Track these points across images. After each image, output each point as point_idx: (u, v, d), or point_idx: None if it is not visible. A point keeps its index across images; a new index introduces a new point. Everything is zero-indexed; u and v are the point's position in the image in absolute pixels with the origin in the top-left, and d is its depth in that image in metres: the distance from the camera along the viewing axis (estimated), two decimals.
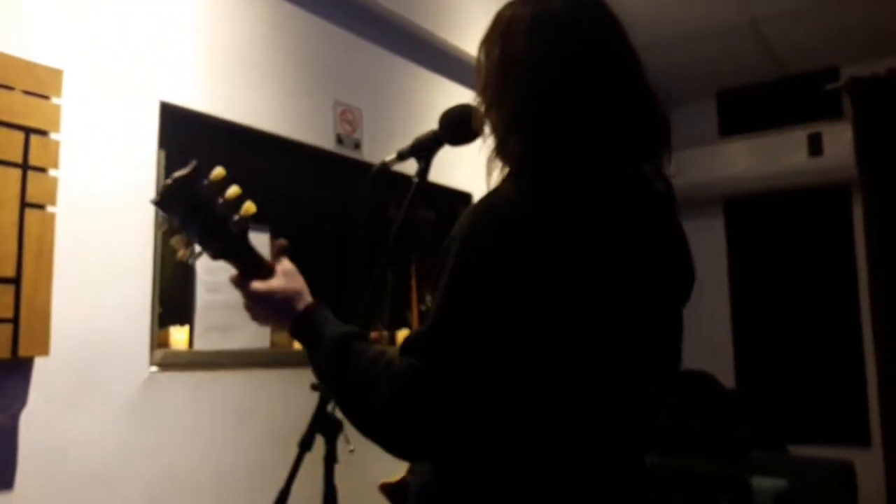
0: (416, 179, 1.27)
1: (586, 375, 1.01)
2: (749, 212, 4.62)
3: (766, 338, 4.45)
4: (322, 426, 1.32)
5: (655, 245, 1.12)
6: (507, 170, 1.13)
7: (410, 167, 1.27)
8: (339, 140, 2.86)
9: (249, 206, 1.18)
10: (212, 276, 2.26)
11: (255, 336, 2.36)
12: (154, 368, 2.12)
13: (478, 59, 1.22)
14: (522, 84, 1.10)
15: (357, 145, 2.93)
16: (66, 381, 1.93)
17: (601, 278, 1.02)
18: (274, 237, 2.40)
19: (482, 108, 1.20)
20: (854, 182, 4.12)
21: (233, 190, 1.17)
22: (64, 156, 1.94)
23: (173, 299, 2.23)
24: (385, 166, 1.33)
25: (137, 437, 2.07)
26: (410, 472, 1.29)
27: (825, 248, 4.34)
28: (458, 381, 0.97)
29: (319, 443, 1.38)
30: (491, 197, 1.04)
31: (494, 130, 1.16)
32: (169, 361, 2.15)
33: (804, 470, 3.46)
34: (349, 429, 1.42)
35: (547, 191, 1.03)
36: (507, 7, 1.19)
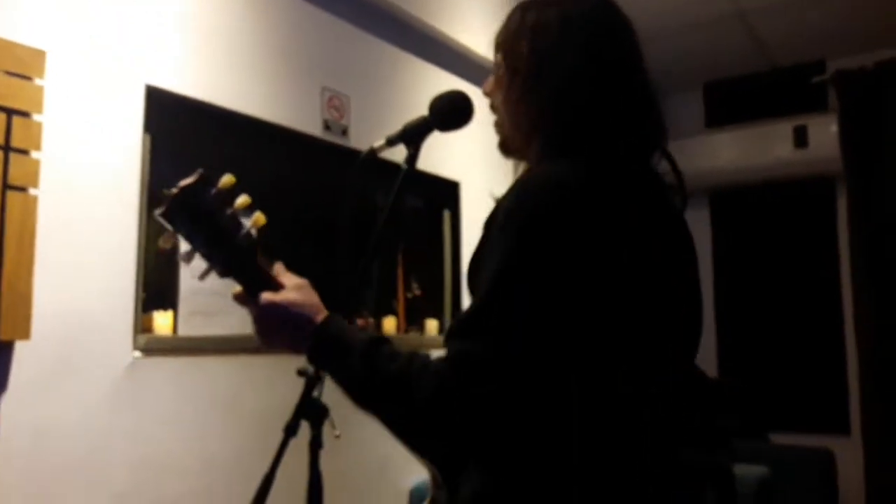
0: (405, 166, 1.27)
1: (620, 365, 1.01)
2: (734, 203, 4.65)
3: (748, 328, 4.48)
4: (308, 412, 1.32)
5: (675, 238, 1.14)
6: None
7: (399, 154, 1.26)
8: (327, 126, 2.84)
9: (259, 218, 1.14)
10: (196, 261, 2.23)
11: (240, 322, 2.35)
12: (137, 353, 2.11)
13: (497, 58, 1.23)
14: (556, 77, 1.11)
15: (344, 132, 2.92)
16: (48, 365, 1.91)
17: (635, 268, 1.03)
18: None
19: (503, 104, 1.21)
20: (838, 174, 4.14)
21: (242, 200, 1.13)
22: (47, 138, 1.91)
23: (157, 284, 2.21)
24: (374, 152, 1.32)
25: (121, 422, 2.06)
26: (436, 485, 1.25)
27: (809, 240, 4.37)
28: (511, 363, 0.95)
29: (305, 429, 1.38)
30: (534, 178, 1.05)
31: (519, 124, 1.18)
32: (153, 347, 2.14)
33: (785, 458, 3.50)
34: (335, 414, 1.42)
35: (585, 178, 1.03)
36: (526, 8, 1.20)
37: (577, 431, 0.99)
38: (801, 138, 4.28)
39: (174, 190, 1.10)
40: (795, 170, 4.28)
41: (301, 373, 1.34)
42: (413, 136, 1.28)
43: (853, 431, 3.84)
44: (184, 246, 1.17)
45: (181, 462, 2.19)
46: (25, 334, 1.82)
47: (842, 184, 4.15)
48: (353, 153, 2.91)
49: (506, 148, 1.26)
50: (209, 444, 2.28)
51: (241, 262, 1.14)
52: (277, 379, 2.42)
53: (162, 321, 2.17)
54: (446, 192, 3.51)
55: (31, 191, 1.85)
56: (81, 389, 1.98)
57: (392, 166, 1.28)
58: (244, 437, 2.35)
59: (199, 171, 1.12)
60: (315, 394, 1.34)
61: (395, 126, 1.28)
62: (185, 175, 1.15)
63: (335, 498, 1.39)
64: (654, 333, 1.05)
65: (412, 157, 1.28)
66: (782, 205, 4.49)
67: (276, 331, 1.14)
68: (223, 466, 2.29)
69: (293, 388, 1.41)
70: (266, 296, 1.12)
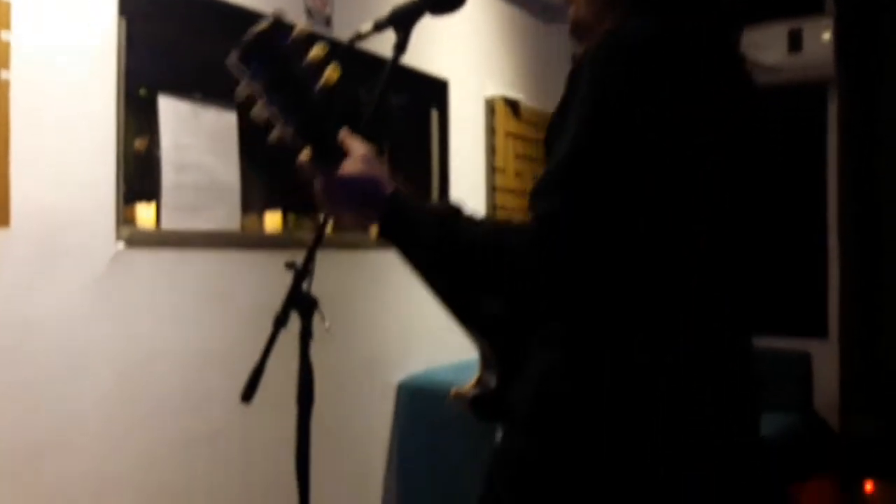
0: (393, 53, 1.21)
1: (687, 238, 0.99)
2: None
3: None
4: (297, 303, 1.30)
5: (754, 121, 1.13)
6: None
7: (384, 46, 1.20)
8: (309, 14, 2.73)
9: (332, 74, 1.05)
10: (178, 154, 2.17)
11: (225, 217, 2.30)
12: (121, 246, 2.07)
13: None
14: None
15: (328, 21, 2.80)
16: (29, 255, 1.87)
17: (715, 142, 1.01)
18: (241, 117, 2.31)
19: None
20: (831, 80, 4.09)
21: (316, 51, 1.04)
22: (16, 19, 1.81)
23: (138, 176, 2.15)
24: (360, 37, 1.25)
25: (107, 315, 2.04)
26: (485, 370, 1.25)
27: (797, 144, 4.36)
28: (598, 220, 0.92)
29: (295, 322, 1.37)
30: (622, 32, 1.00)
31: None
32: (137, 238, 2.10)
33: (763, 359, 3.58)
34: (324, 306, 1.41)
35: (672, 37, 0.99)
36: None
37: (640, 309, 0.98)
38: (795, 42, 4.20)
39: (248, 36, 1.02)
40: (788, 75, 4.22)
41: (289, 266, 1.33)
42: (403, 19, 1.21)
43: (830, 334, 3.92)
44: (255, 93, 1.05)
45: (169, 355, 2.20)
46: (5, 221, 1.77)
47: (834, 90, 4.10)
48: (336, 44, 2.80)
49: (577, 31, 1.19)
50: (197, 336, 2.28)
51: (314, 122, 1.06)
52: (265, 275, 2.40)
53: (145, 214, 2.12)
54: (434, 91, 3.42)
55: (3, 73, 1.76)
56: (65, 280, 1.95)
57: (376, 60, 1.21)
58: (233, 329, 2.34)
59: (273, 14, 1.03)
60: (304, 287, 1.33)
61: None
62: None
63: (323, 392, 1.39)
64: (720, 216, 1.03)
65: (401, 42, 1.22)
66: (772, 108, 4.44)
67: (344, 203, 1.09)
68: (212, 359, 2.30)
69: (281, 282, 1.39)
70: (339, 170, 1.06)
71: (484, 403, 1.24)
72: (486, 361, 1.26)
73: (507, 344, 1.18)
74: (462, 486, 2.66)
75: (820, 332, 3.98)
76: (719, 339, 1.05)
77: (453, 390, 1.30)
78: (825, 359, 3.78)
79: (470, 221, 1.01)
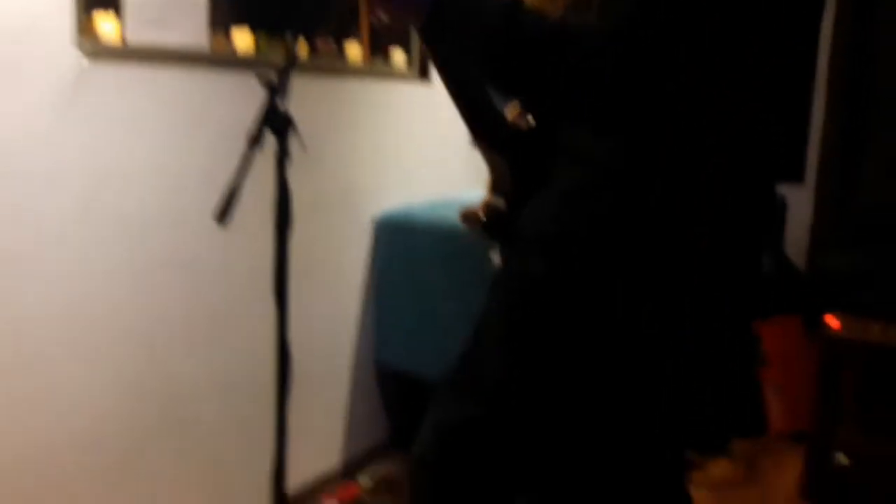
0: None
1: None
2: None
3: None
4: (272, 121, 1.25)
5: None
6: None
7: None
8: None
9: None
10: None
11: (192, 32, 2.16)
12: (84, 60, 1.94)
13: None
14: None
15: None
16: None
17: None
18: None
19: None
20: None
21: None
22: None
23: None
24: None
25: (73, 131, 1.94)
26: (493, 193, 1.23)
27: None
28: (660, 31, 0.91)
29: (270, 146, 1.31)
30: None
31: None
32: (101, 52, 1.97)
33: None
34: (301, 126, 1.35)
35: None
36: None
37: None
38: None
39: None
40: None
41: (262, 79, 1.26)
42: None
43: (807, 180, 3.94)
44: None
45: (140, 174, 2.12)
46: None
47: None
48: None
49: None
50: (170, 156, 2.19)
51: None
52: (237, 94, 2.31)
53: (106, 27, 1.97)
54: None
55: None
56: (26, 95, 1.83)
57: None
58: (205, 150, 2.26)
59: None
60: (279, 104, 1.27)
61: None
62: None
63: (297, 223, 1.35)
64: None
65: None
66: None
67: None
68: (186, 179, 2.23)
69: (254, 104, 1.32)
70: None
71: (495, 223, 1.24)
72: (496, 184, 1.25)
73: (526, 160, 1.15)
74: (438, 321, 2.72)
75: (796, 177, 3.99)
76: (741, 181, 1.06)
77: (462, 211, 1.30)
78: (799, 204, 3.82)
79: (532, 13, 0.94)
